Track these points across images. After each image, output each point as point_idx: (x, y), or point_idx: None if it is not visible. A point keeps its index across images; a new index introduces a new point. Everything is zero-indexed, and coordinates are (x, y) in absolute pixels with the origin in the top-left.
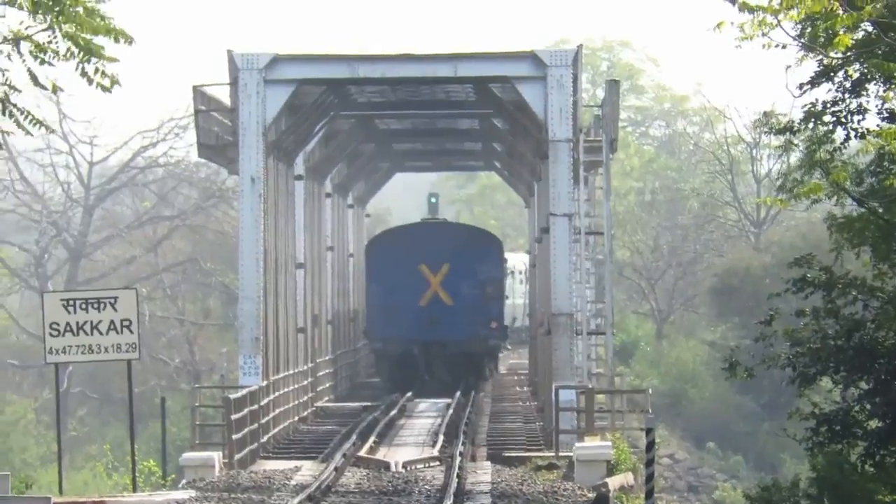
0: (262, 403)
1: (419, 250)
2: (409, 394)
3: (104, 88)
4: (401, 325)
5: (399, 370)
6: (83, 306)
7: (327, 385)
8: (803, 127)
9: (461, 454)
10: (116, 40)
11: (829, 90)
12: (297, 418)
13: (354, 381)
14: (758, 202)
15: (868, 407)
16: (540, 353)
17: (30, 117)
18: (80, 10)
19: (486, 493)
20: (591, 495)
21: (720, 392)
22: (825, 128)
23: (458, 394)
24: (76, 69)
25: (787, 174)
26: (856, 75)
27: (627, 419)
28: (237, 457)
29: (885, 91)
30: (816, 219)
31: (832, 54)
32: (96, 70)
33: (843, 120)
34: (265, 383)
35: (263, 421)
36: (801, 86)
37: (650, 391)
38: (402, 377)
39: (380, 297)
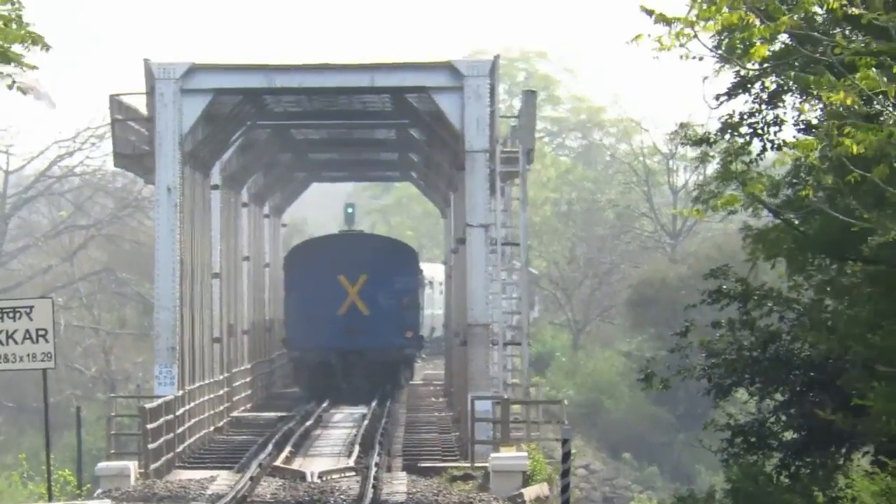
0: (177, 413)
1: (338, 261)
2: (324, 404)
3: (22, 91)
4: (319, 334)
5: (317, 378)
6: None
7: (243, 395)
8: (720, 138)
9: (377, 464)
10: (34, 43)
11: (746, 101)
12: (212, 428)
13: (270, 391)
14: (674, 213)
15: (783, 418)
16: (456, 364)
17: None
18: None
19: (401, 503)
20: None
21: (636, 403)
22: (742, 139)
23: (373, 404)
24: None
25: (703, 185)
26: (772, 87)
27: (543, 430)
28: (153, 466)
29: (801, 103)
30: (732, 230)
31: (749, 65)
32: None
33: (760, 131)
34: (181, 393)
35: (179, 431)
36: (717, 97)
37: (566, 402)
38: (321, 385)
39: (299, 307)
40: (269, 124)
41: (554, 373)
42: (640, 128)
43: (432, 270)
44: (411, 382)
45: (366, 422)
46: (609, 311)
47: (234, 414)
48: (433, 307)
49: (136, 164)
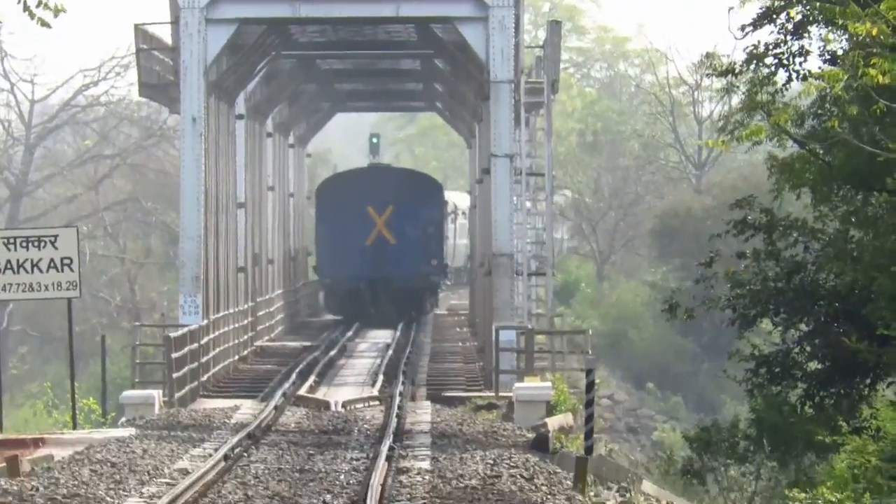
0: (202, 342)
1: (366, 193)
2: (349, 333)
3: (43, 23)
4: (349, 263)
5: (348, 304)
6: (24, 244)
7: (268, 324)
8: (745, 69)
9: (401, 394)
10: None
11: (772, 32)
12: (237, 357)
13: (296, 319)
14: (699, 143)
15: (808, 349)
16: (480, 294)
17: None
18: None
19: (425, 432)
20: (531, 435)
21: (660, 333)
22: (767, 70)
23: (398, 332)
24: (17, 2)
25: (728, 116)
26: (798, 17)
27: (568, 360)
28: (177, 395)
29: (826, 33)
30: (757, 161)
31: None
32: (39, 2)
33: (785, 62)
34: (205, 322)
35: (204, 360)
36: (743, 27)
37: (590, 332)
38: (351, 310)
39: (329, 237)
40: (293, 54)
41: (578, 303)
42: (665, 58)
43: (458, 200)
44: (436, 312)
45: (390, 351)
46: (634, 242)
47: (259, 343)
48: (456, 237)
49: (160, 94)
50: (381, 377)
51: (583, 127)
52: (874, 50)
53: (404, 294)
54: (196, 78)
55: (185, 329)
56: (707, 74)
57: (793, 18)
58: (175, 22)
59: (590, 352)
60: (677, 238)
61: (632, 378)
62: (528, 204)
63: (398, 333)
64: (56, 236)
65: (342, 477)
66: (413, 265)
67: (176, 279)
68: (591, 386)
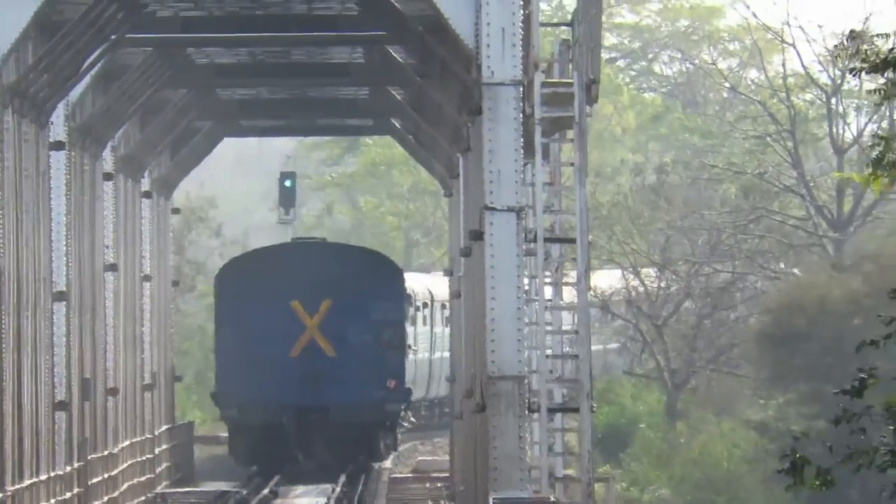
0: None
1: (290, 282)
2: (269, 486)
3: None
4: (265, 385)
5: (263, 447)
6: None
7: (105, 499)
8: None
9: None
10: None
11: None
12: None
13: (153, 489)
14: (836, 177)
15: None
16: (467, 443)
17: None
18: None
19: None
20: None
21: None
22: None
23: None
24: None
25: (889, 139)
26: None
27: None
28: None
29: None
30: None
31: None
32: None
33: None
34: None
35: None
36: None
37: None
38: (268, 456)
39: (235, 347)
40: (149, 39)
41: (636, 458)
42: (780, 43)
43: (429, 286)
44: (396, 475)
45: None
46: (729, 355)
47: None
48: (431, 345)
49: None
50: None
51: (640, 160)
52: None
53: (348, 431)
54: None
55: None
56: (852, 71)
57: None
58: None
59: None
60: (803, 347)
61: None
62: (549, 291)
63: (335, 495)
64: None
65: None
66: (361, 388)
67: None
68: None
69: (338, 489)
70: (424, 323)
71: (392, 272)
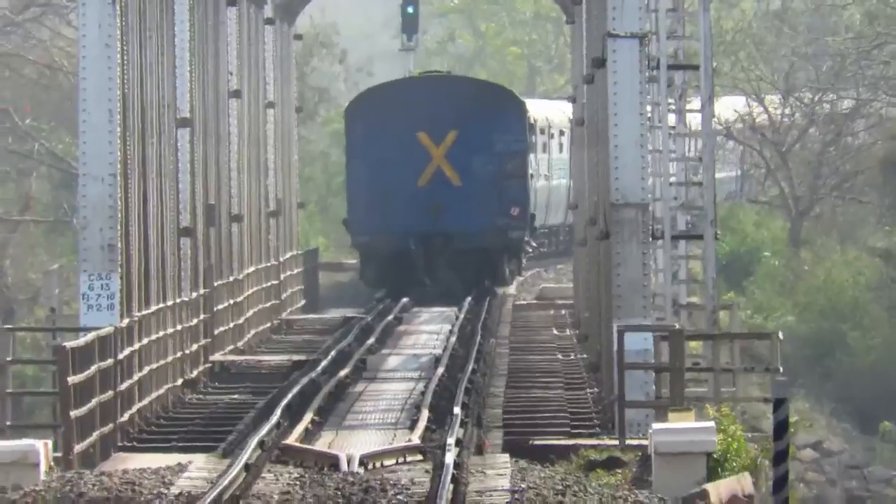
0: (120, 357)
1: (417, 114)
2: (370, 341)
3: None
4: (393, 214)
5: (391, 272)
6: None
7: (231, 325)
8: None
9: (459, 442)
10: None
11: None
12: (181, 381)
13: (279, 315)
14: None
15: None
16: (591, 271)
17: None
18: None
19: None
20: None
21: None
22: None
23: (457, 322)
24: None
25: None
26: None
27: (741, 382)
28: (78, 448)
29: None
30: None
31: None
32: None
33: None
34: (125, 323)
35: (124, 386)
36: None
37: (781, 335)
38: (395, 281)
39: (365, 178)
40: None
41: (760, 286)
42: None
43: (552, 114)
44: (519, 301)
45: (440, 369)
46: (853, 182)
47: (218, 357)
48: (549, 172)
49: None
50: (425, 412)
51: None
52: None
53: (472, 257)
54: None
55: (92, 335)
56: None
57: None
58: None
59: (781, 369)
60: None
61: (852, 413)
62: (673, 118)
63: (458, 321)
64: None
65: None
66: (484, 215)
67: (73, 249)
68: (783, 427)
69: (461, 316)
70: (543, 150)
71: (515, 105)
